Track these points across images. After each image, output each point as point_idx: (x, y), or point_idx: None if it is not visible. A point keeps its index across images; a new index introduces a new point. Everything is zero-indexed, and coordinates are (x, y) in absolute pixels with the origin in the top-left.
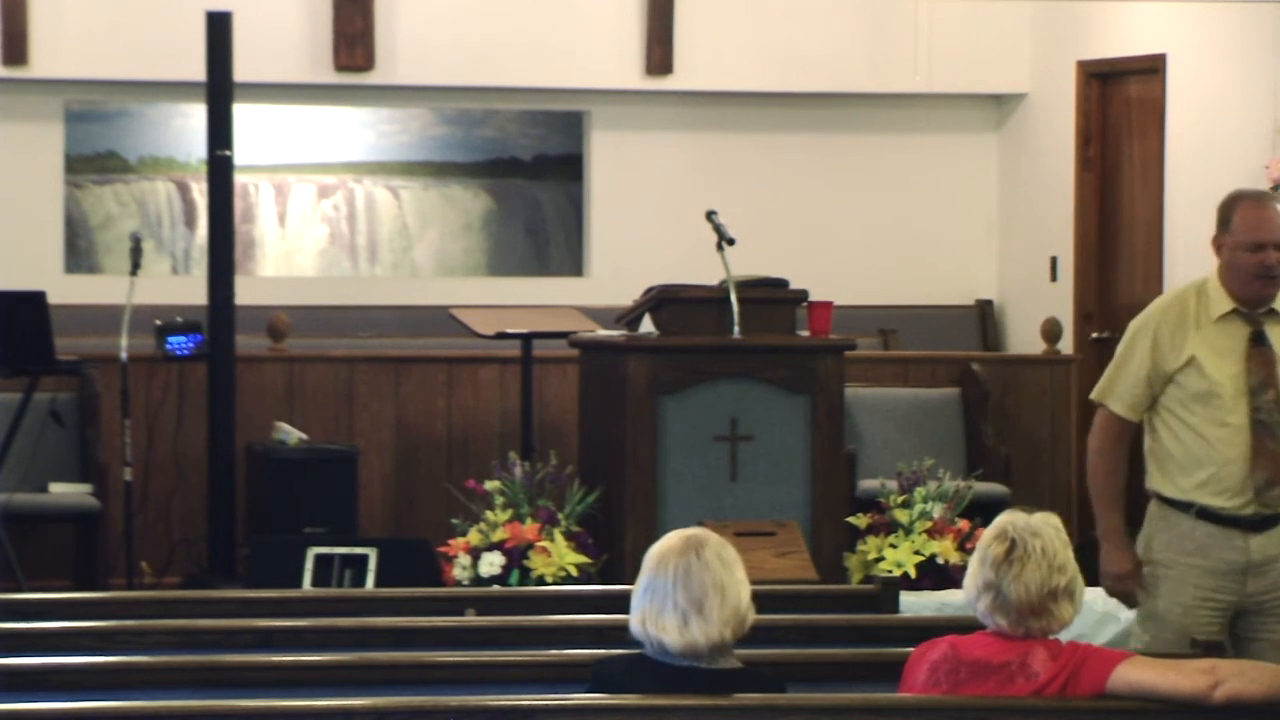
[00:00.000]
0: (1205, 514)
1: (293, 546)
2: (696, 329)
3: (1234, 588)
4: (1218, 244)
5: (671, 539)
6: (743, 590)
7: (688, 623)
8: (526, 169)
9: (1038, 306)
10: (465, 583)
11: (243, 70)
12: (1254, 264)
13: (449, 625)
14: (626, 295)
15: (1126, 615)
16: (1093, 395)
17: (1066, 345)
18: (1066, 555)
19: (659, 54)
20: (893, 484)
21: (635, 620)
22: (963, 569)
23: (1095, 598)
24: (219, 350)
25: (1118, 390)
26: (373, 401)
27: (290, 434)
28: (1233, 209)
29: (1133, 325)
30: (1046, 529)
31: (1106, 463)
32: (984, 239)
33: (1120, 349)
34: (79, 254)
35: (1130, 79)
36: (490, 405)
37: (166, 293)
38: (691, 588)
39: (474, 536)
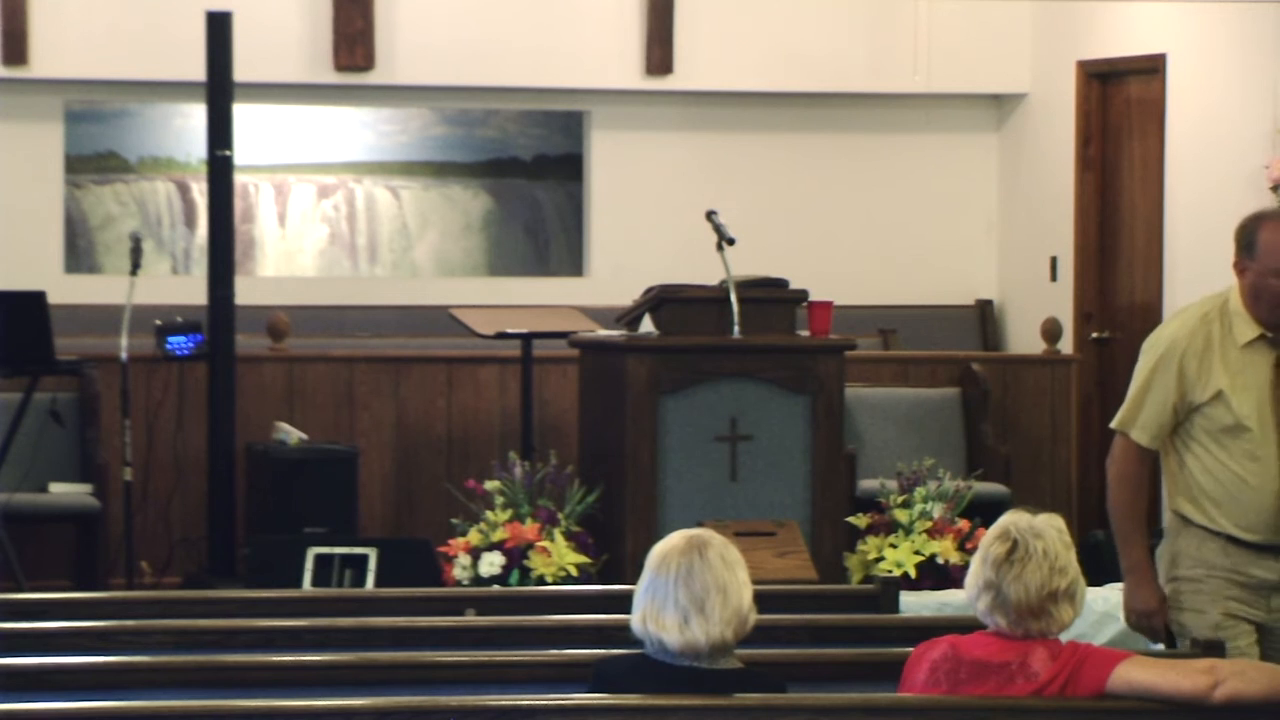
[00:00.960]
0: (1235, 541)
1: (293, 546)
2: (696, 329)
3: (1262, 603)
4: (1240, 268)
5: (674, 538)
6: (745, 591)
7: (688, 621)
8: (526, 169)
9: (1038, 306)
10: (465, 583)
11: (243, 70)
12: None
13: (449, 625)
14: (626, 295)
15: None
16: (1114, 424)
17: (1066, 345)
18: (1068, 558)
19: (659, 54)
20: (893, 484)
21: (636, 619)
22: (963, 569)
23: (1095, 598)
24: (219, 350)
25: (1141, 420)
26: (373, 401)
27: (290, 434)
28: (1256, 232)
29: (1153, 351)
30: (1049, 530)
31: (1129, 493)
32: (984, 239)
33: (1140, 376)
34: (79, 254)
35: (1130, 79)
36: (490, 405)
37: (166, 293)
38: (693, 587)
39: (474, 536)
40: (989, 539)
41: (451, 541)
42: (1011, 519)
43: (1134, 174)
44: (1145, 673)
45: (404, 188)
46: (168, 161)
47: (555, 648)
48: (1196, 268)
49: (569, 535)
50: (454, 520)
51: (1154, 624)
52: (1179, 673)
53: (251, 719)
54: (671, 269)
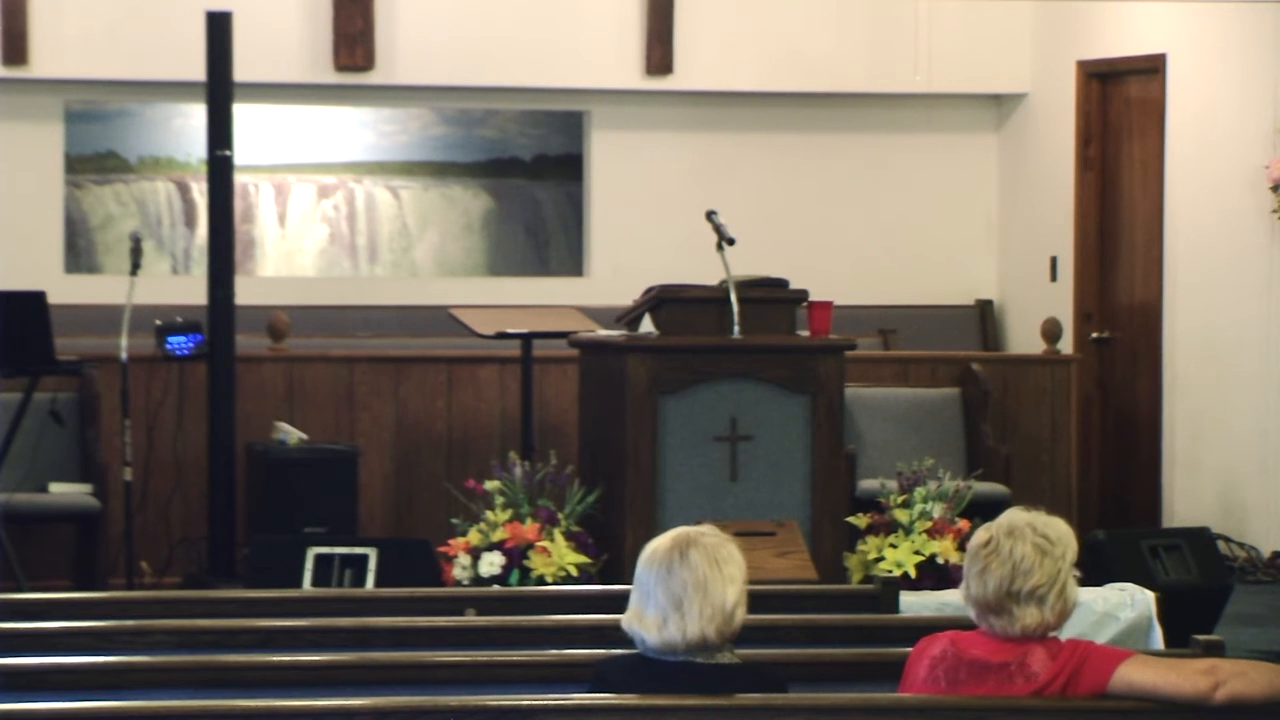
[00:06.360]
0: None
1: (293, 546)
2: (696, 329)
3: None
4: None
5: (664, 537)
6: (729, 590)
7: (667, 622)
8: (526, 169)
9: (1038, 306)
10: (465, 583)
11: (243, 70)
12: None
13: (449, 625)
14: (626, 295)
15: (1126, 615)
16: None
17: (1066, 345)
18: (1038, 562)
19: (659, 54)
20: (893, 484)
21: (625, 617)
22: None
23: (1095, 598)
24: (219, 350)
25: None
26: (373, 401)
27: (290, 434)
28: None
29: None
30: (1028, 532)
31: None
32: (984, 239)
33: None
34: (79, 254)
35: (1130, 79)
36: (490, 405)
37: (166, 293)
38: (672, 586)
39: (474, 536)
40: (978, 531)
41: (451, 541)
42: (1004, 517)
43: (1134, 174)
44: (1146, 673)
45: (404, 188)
46: (168, 161)
47: (555, 648)
48: (1196, 268)
49: (569, 535)
50: (454, 520)
51: None
52: (1180, 674)
53: (251, 719)
54: (671, 269)
